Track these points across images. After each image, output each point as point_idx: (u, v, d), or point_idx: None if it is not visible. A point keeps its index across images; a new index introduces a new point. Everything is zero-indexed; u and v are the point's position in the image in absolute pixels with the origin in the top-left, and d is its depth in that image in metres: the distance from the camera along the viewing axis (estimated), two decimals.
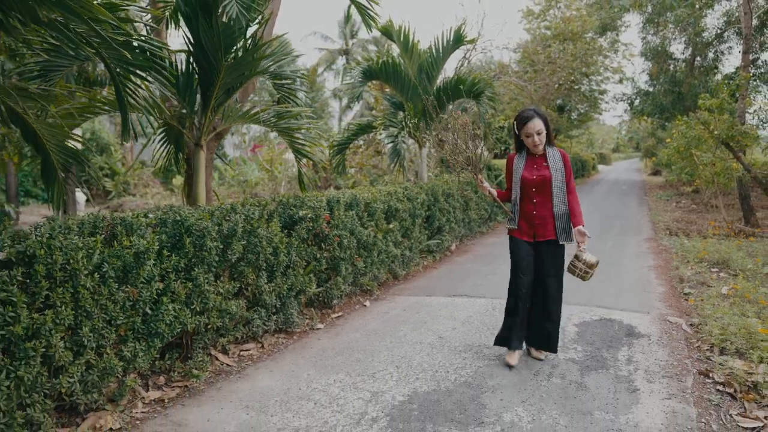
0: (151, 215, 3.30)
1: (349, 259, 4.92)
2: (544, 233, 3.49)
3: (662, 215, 12.11)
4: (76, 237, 2.70)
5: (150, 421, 2.92)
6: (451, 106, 8.15)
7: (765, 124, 12.58)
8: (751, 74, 11.69)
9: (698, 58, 17.84)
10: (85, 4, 2.20)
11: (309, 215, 4.41)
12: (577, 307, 4.87)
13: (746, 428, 2.78)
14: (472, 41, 8.53)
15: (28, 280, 2.48)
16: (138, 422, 2.92)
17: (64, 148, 3.34)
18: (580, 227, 3.41)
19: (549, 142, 3.54)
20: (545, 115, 3.50)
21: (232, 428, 2.82)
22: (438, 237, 7.29)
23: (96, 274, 2.74)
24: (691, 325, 4.39)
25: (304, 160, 5.31)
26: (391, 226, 5.76)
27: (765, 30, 14.84)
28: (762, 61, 16.00)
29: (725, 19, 15.84)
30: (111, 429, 2.83)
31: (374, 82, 9.13)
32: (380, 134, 8.02)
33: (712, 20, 17.29)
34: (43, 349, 2.46)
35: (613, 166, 47.54)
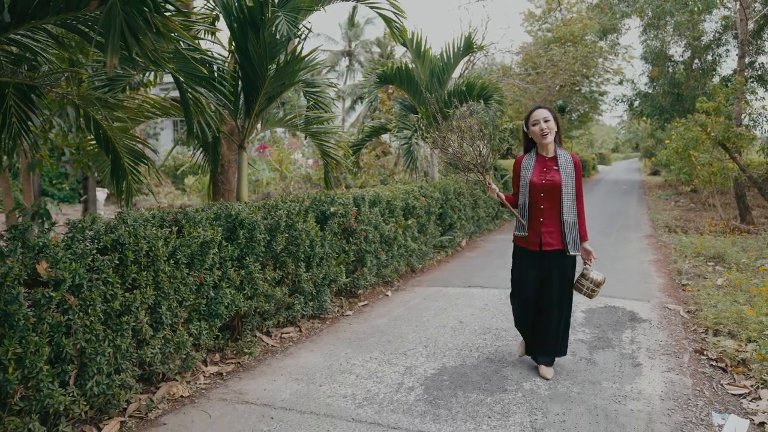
0: (207, 210, 3.71)
1: (373, 252, 5.34)
2: (552, 242, 3.28)
3: (661, 213, 12.53)
4: (154, 228, 3.12)
5: (214, 390, 3.34)
6: (460, 109, 8.55)
7: (757, 124, 13.01)
8: (746, 78, 12.12)
9: (697, 61, 18.26)
10: (176, 30, 2.61)
11: (339, 211, 4.83)
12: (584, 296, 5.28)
13: (734, 395, 3.20)
14: (482, 48, 8.94)
15: (118, 264, 2.89)
16: (203, 391, 3.33)
17: (130, 149, 3.76)
18: (586, 244, 3.34)
19: (559, 142, 3.38)
20: (553, 110, 3.34)
21: (288, 395, 3.23)
22: (450, 233, 7.72)
23: (171, 260, 3.15)
24: (688, 311, 4.82)
25: (330, 161, 5.71)
26: (409, 222, 6.18)
27: (762, 34, 15.28)
28: (759, 64, 16.44)
29: (723, 23, 16.27)
30: (182, 396, 3.25)
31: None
32: (394, 137, 8.41)
33: (710, 24, 17.70)
34: (133, 323, 2.88)
35: (613, 166, 47.96)
